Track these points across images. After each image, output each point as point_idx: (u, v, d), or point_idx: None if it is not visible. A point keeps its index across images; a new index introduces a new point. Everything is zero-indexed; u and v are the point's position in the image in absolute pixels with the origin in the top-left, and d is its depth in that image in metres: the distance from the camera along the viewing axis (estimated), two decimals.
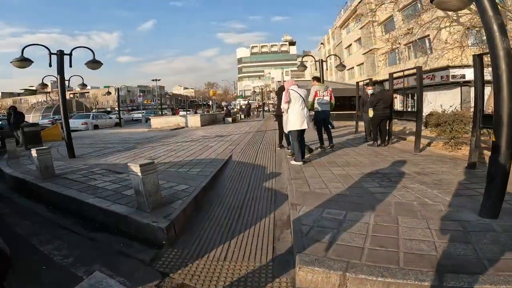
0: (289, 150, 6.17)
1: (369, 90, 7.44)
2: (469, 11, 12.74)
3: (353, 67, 32.42)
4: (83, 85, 12.47)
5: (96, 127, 19.01)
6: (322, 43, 54.92)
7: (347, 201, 3.22)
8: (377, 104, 6.46)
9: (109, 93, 20.05)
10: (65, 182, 4.41)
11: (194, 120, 16.35)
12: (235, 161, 5.94)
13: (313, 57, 11.15)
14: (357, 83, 10.02)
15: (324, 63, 10.35)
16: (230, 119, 19.04)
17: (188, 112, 45.45)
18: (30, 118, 34.77)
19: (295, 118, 4.88)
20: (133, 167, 2.81)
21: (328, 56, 14.29)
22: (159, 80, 61.66)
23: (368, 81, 8.73)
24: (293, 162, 5.06)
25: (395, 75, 7.24)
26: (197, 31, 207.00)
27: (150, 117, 17.57)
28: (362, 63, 29.44)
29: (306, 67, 10.41)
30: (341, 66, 10.39)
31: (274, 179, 4.57)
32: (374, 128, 6.80)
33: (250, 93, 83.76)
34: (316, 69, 10.40)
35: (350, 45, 33.63)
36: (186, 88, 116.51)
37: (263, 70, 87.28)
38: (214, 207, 3.59)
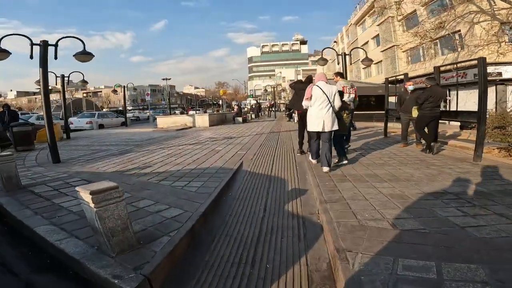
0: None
1: (409, 86, 6.16)
2: (508, 5, 11.27)
3: (370, 65, 30.85)
4: (84, 82, 11.62)
5: (101, 126, 18.24)
6: (335, 41, 53.22)
7: (429, 243, 2.04)
8: (425, 102, 5.20)
9: (115, 91, 19.28)
10: (26, 198, 3.39)
11: (202, 120, 15.32)
12: (247, 171, 4.78)
13: (335, 50, 9.93)
14: (387, 79, 8.73)
15: (338, 62, 9.12)
16: (240, 119, 17.90)
17: (197, 112, 44.82)
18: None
19: (312, 118, 4.37)
20: (83, 194, 1.71)
21: (352, 49, 12.85)
22: (169, 79, 61.39)
23: (402, 76, 7.46)
24: (309, 158, 4.93)
25: (442, 69, 5.96)
26: (207, 31, 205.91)
27: (156, 117, 16.61)
28: (381, 61, 27.83)
29: (327, 60, 9.20)
30: (367, 61, 9.11)
31: (299, 198, 3.41)
32: (419, 131, 5.56)
33: (260, 93, 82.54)
34: (338, 64, 9.17)
35: (367, 42, 31.99)
36: (197, 88, 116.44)
37: (274, 70, 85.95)
38: (218, 243, 2.47)
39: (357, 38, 35.34)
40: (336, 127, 4.25)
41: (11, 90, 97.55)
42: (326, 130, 4.20)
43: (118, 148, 7.66)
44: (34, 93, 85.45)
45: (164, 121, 15.64)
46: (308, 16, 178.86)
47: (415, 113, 5.44)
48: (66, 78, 11.32)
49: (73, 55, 6.23)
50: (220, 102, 63.25)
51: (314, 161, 4.75)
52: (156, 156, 6.03)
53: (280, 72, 78.49)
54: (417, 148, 5.91)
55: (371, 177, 3.87)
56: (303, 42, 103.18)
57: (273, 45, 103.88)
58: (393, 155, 5.39)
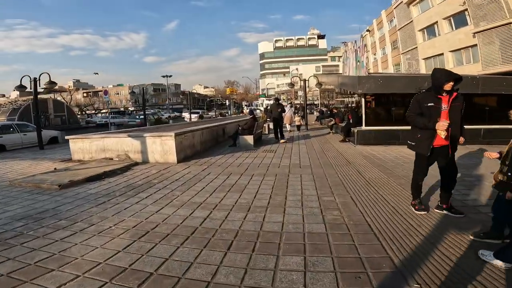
0: None
1: None
2: None
3: (442, 54, 21.66)
4: None
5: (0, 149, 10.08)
6: (368, 30, 43.91)
7: None
8: None
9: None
10: None
11: (162, 147, 6.76)
12: None
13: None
14: None
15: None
16: (251, 140, 9.21)
17: (196, 115, 35.86)
18: None
19: None
20: None
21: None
22: (170, 76, 53.65)
23: None
24: None
25: None
26: (218, 31, 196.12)
27: (69, 138, 7.90)
28: (468, 47, 18.73)
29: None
30: None
31: None
32: None
33: (274, 92, 73.57)
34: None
35: (433, 24, 22.76)
36: (206, 87, 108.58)
37: (289, 67, 76.71)
38: None
39: (411, 21, 26.16)
40: None
41: (14, 90, 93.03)
42: None
43: None
44: (39, 93, 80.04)
45: (83, 148, 7.24)
46: (321, 15, 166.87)
47: None
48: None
49: None
50: (227, 103, 54.44)
51: None
52: None
53: (297, 69, 69.22)
54: None
55: None
56: (320, 37, 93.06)
57: (287, 40, 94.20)
58: None
